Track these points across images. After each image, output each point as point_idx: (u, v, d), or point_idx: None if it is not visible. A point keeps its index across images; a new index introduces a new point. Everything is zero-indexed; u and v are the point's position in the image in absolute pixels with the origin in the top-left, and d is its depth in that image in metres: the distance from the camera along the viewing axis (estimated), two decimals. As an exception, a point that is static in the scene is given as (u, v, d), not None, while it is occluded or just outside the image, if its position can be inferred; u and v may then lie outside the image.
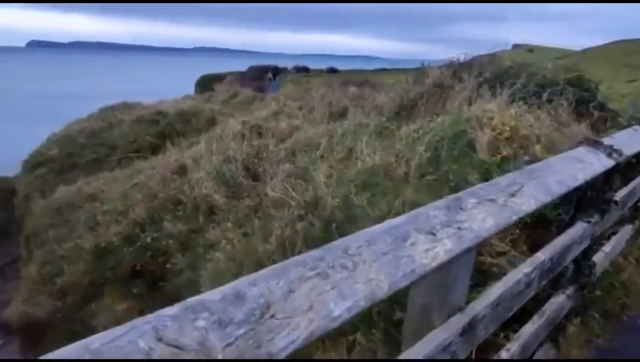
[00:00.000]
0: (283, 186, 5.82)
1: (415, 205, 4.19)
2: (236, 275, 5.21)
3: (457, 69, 7.14)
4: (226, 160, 7.45)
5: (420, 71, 7.58)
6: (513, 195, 1.64)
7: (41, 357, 0.68)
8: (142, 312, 4.94)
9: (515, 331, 2.29)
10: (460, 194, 1.55)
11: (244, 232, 5.81)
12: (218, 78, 34.95)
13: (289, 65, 46.79)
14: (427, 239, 1.26)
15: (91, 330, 7.19)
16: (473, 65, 7.29)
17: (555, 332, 2.63)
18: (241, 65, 44.77)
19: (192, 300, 0.89)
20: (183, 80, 44.97)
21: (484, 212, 1.47)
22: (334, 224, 4.19)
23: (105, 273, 7.41)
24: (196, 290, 5.41)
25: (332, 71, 42.69)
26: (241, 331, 0.84)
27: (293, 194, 5.16)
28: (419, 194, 3.82)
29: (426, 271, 1.19)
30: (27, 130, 17.85)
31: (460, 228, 1.36)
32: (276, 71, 39.67)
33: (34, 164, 13.44)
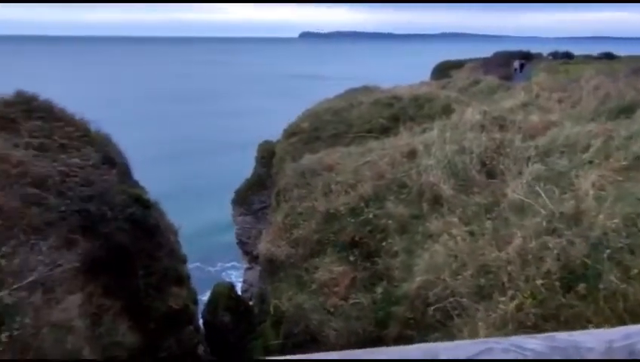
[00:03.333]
0: (528, 189, 4.95)
1: None
2: (456, 273, 4.81)
3: None
4: (460, 150, 6.96)
5: None
6: None
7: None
8: (354, 279, 5.12)
9: None
10: None
11: (470, 231, 5.31)
12: (457, 64, 33.58)
13: (544, 50, 40.04)
14: None
15: (312, 281, 8.20)
16: None
17: None
18: (486, 51, 41.49)
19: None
20: (421, 66, 45.63)
21: None
22: (607, 250, 3.21)
23: (329, 236, 8.31)
24: (409, 275, 5.31)
25: (608, 57, 33.51)
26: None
27: (546, 201, 4.27)
28: None
29: None
30: (292, 105, 21.80)
31: None
32: (527, 57, 34.14)
33: (290, 133, 16.29)
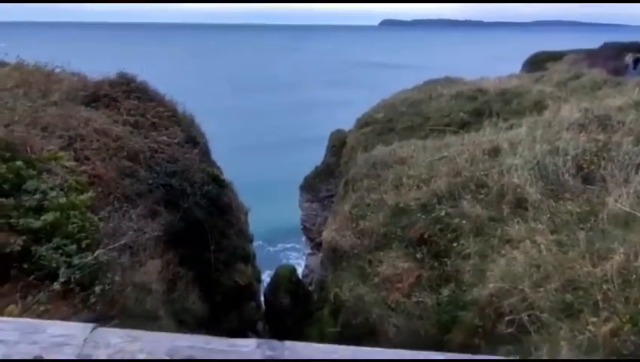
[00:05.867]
0: (636, 200, 4.31)
1: None
2: (537, 285, 4.37)
3: None
4: (553, 151, 6.30)
5: None
6: None
7: None
8: (419, 277, 4.90)
9: None
10: None
11: (558, 240, 4.78)
12: (555, 56, 29.93)
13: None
14: None
15: (375, 274, 8.07)
16: None
17: None
18: (591, 42, 36.43)
19: None
20: (512, 57, 41.86)
21: None
22: None
23: (397, 230, 8.08)
24: (480, 281, 4.95)
25: None
26: None
27: (660, 214, 3.67)
28: None
29: None
30: (367, 96, 21.45)
31: None
32: None
33: (363, 123, 16.09)
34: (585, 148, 5.89)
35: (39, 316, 4.45)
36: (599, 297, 3.37)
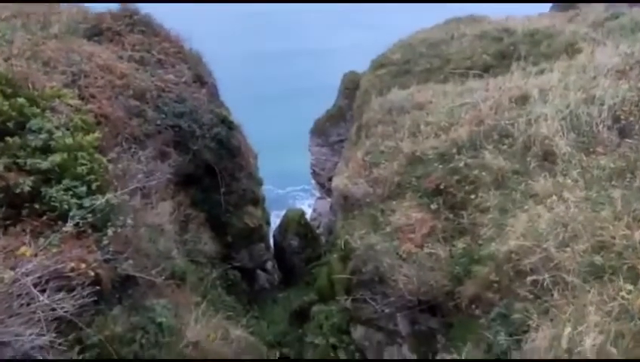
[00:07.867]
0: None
1: None
2: (563, 244, 4.17)
3: None
4: (588, 100, 5.81)
5: None
6: None
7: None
8: (433, 228, 4.72)
9: None
10: None
11: (588, 197, 4.52)
12: None
13: None
14: None
15: (387, 223, 7.92)
16: None
17: None
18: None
19: None
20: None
21: None
22: None
23: (411, 180, 7.84)
24: (499, 236, 4.73)
25: None
26: None
27: None
28: None
29: None
30: (386, 37, 19.96)
31: None
32: None
33: (378, 64, 15.20)
34: (624, 97, 5.40)
35: (52, 257, 4.43)
36: (637, 263, 3.18)
